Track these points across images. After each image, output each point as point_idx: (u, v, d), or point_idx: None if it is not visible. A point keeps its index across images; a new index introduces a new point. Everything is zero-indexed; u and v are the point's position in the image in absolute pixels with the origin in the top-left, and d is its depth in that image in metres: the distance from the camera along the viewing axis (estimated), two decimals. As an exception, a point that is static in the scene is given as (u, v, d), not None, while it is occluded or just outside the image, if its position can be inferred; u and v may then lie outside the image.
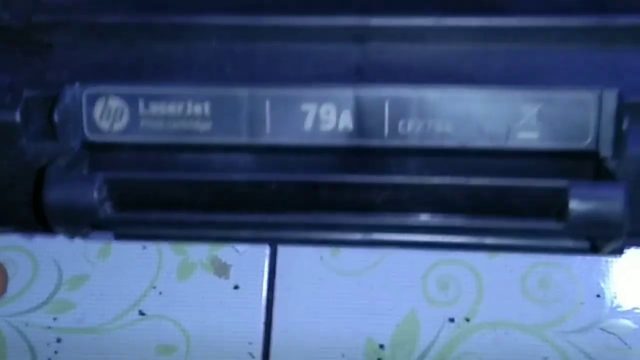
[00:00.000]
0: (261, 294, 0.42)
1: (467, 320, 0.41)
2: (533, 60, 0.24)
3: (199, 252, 0.43)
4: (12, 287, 0.42)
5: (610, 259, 0.41)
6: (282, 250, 0.42)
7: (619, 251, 0.26)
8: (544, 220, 0.22)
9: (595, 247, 0.24)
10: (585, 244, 0.24)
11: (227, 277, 0.42)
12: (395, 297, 0.42)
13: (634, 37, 0.24)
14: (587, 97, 0.23)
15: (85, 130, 0.24)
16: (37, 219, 0.24)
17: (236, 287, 0.42)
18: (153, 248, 0.43)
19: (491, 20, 0.24)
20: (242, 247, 0.42)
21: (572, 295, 0.41)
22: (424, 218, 0.23)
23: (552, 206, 0.22)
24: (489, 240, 0.24)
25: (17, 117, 0.24)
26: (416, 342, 0.41)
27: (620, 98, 0.23)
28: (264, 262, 0.42)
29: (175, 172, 0.25)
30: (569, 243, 0.24)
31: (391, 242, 0.24)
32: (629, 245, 0.25)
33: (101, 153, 0.25)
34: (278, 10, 0.25)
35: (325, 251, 0.42)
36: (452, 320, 0.41)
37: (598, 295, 0.41)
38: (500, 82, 0.24)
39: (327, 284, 0.42)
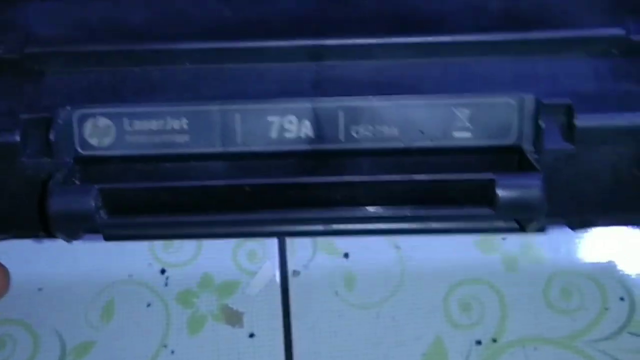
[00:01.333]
0: (279, 338, 0.41)
1: (494, 340, 0.41)
2: (464, 71, 0.28)
3: (207, 302, 0.42)
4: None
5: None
6: (294, 289, 0.42)
7: (541, 229, 0.30)
8: (478, 207, 0.26)
9: (521, 227, 0.28)
10: (514, 225, 0.29)
11: (241, 326, 0.41)
12: (418, 325, 0.41)
13: (545, 49, 0.28)
14: (510, 101, 0.27)
15: (78, 146, 0.28)
16: (41, 225, 0.27)
17: (252, 335, 0.41)
18: (159, 304, 0.42)
19: (427, 38, 0.28)
20: (253, 291, 0.42)
21: (596, 301, 0.41)
22: (377, 210, 0.27)
23: (483, 195, 0.26)
24: (434, 226, 0.28)
25: (17, 138, 0.27)
26: (445, 370, 0.41)
27: (537, 101, 0.27)
28: (277, 304, 0.42)
29: (159, 180, 0.28)
30: (501, 224, 0.29)
31: (349, 231, 0.28)
32: (550, 223, 0.30)
33: (92, 166, 0.28)
34: (243, 34, 0.28)
35: (340, 286, 0.41)
36: (479, 342, 0.41)
37: (622, 299, 0.41)
38: (437, 90, 0.28)
39: (346, 320, 0.41)
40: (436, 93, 0.28)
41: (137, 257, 0.42)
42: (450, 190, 0.26)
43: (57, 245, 0.40)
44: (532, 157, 0.27)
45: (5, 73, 0.28)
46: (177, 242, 0.42)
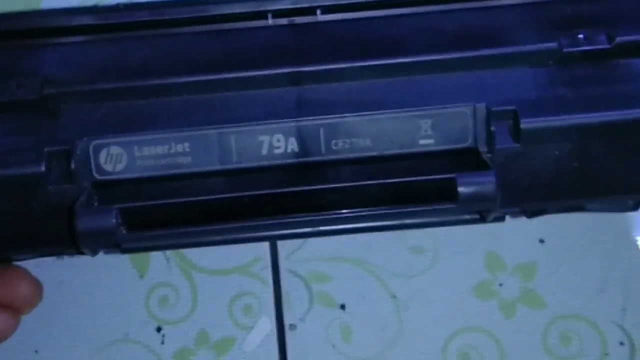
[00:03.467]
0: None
1: (495, 390, 0.40)
2: (424, 86, 0.33)
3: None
4: None
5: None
6: (291, 343, 0.42)
7: (500, 219, 0.35)
8: (442, 203, 0.31)
9: (482, 218, 0.33)
10: (475, 216, 0.33)
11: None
12: (418, 377, 0.40)
13: (492, 63, 0.32)
14: (465, 110, 0.32)
15: (95, 172, 0.32)
16: (69, 244, 0.32)
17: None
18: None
19: (391, 60, 0.33)
20: (249, 347, 0.41)
21: (596, 346, 0.41)
22: (357, 211, 0.31)
23: (447, 192, 0.30)
24: (406, 221, 0.33)
25: (42, 168, 0.31)
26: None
27: (488, 109, 0.32)
28: (275, 359, 0.42)
29: (167, 197, 0.32)
30: (465, 217, 0.33)
31: (334, 231, 0.33)
32: (507, 213, 0.34)
33: (109, 189, 0.32)
34: (231, 66, 0.33)
35: (337, 338, 0.41)
36: (479, 393, 0.40)
37: (621, 343, 0.41)
38: (402, 104, 0.32)
39: (345, 374, 0.40)
40: (401, 107, 0.32)
41: (133, 314, 0.42)
42: (419, 190, 0.31)
43: (52, 306, 0.41)
44: (486, 156, 0.32)
45: (27, 113, 0.32)
46: (172, 298, 0.41)
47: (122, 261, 0.41)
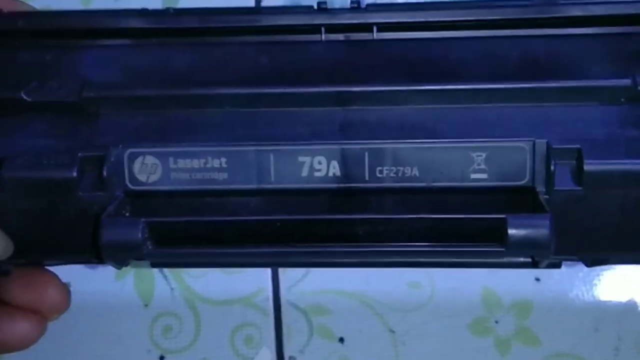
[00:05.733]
0: None
1: None
2: (481, 116, 0.30)
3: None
4: None
5: None
6: None
7: (557, 265, 0.32)
8: (490, 244, 0.28)
9: (534, 263, 0.30)
10: (528, 261, 0.31)
11: None
12: None
13: (557, 97, 0.30)
14: (523, 145, 0.29)
15: (128, 182, 0.31)
16: (93, 254, 0.30)
17: None
18: None
19: (447, 86, 0.30)
20: None
21: None
22: (398, 245, 0.29)
23: (495, 233, 0.28)
24: (450, 260, 0.30)
25: (74, 174, 0.30)
26: None
27: (549, 146, 0.29)
28: None
29: (200, 213, 0.31)
30: (516, 260, 0.31)
31: (371, 263, 0.30)
32: (564, 259, 0.32)
33: (140, 199, 0.31)
34: (277, 81, 0.31)
35: None
36: None
37: None
38: (456, 134, 0.30)
39: None
40: (455, 137, 0.30)
41: (136, 343, 0.42)
42: (466, 229, 0.28)
43: (57, 332, 0.40)
44: (543, 198, 0.29)
45: (65, 115, 0.31)
46: (175, 328, 0.42)
47: (126, 289, 0.42)
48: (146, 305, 0.42)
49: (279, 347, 0.42)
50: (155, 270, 0.43)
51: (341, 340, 0.42)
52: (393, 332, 0.42)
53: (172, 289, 0.42)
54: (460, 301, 0.41)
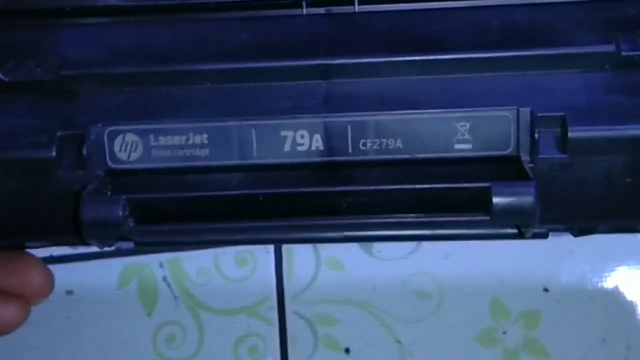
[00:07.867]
0: None
1: None
2: (464, 86, 0.30)
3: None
4: None
5: None
6: None
7: (544, 235, 0.32)
8: (474, 213, 0.28)
9: (520, 233, 0.30)
10: (514, 231, 0.30)
11: None
12: None
13: (541, 65, 0.29)
14: (507, 114, 0.29)
15: (108, 160, 0.30)
16: (75, 234, 0.30)
17: None
18: None
19: (429, 56, 0.30)
20: None
21: None
22: (382, 217, 0.29)
23: (480, 202, 0.28)
24: (435, 232, 0.30)
25: (53, 153, 0.30)
26: None
27: (533, 114, 0.29)
28: None
29: (182, 190, 0.30)
30: (501, 231, 0.30)
31: (356, 238, 0.30)
32: (551, 230, 0.31)
33: (121, 178, 0.31)
34: (259, 56, 0.31)
35: None
36: None
37: None
38: (439, 105, 0.30)
39: None
40: (438, 108, 0.29)
41: (140, 352, 0.42)
42: (450, 199, 0.28)
43: (60, 341, 0.40)
44: (527, 166, 0.29)
45: (43, 94, 0.31)
46: (179, 337, 0.42)
47: (130, 298, 0.41)
48: (149, 314, 0.42)
49: (284, 358, 0.42)
50: (159, 278, 0.43)
51: (347, 350, 0.42)
52: (400, 342, 0.41)
53: (175, 297, 0.42)
54: (468, 311, 0.41)
